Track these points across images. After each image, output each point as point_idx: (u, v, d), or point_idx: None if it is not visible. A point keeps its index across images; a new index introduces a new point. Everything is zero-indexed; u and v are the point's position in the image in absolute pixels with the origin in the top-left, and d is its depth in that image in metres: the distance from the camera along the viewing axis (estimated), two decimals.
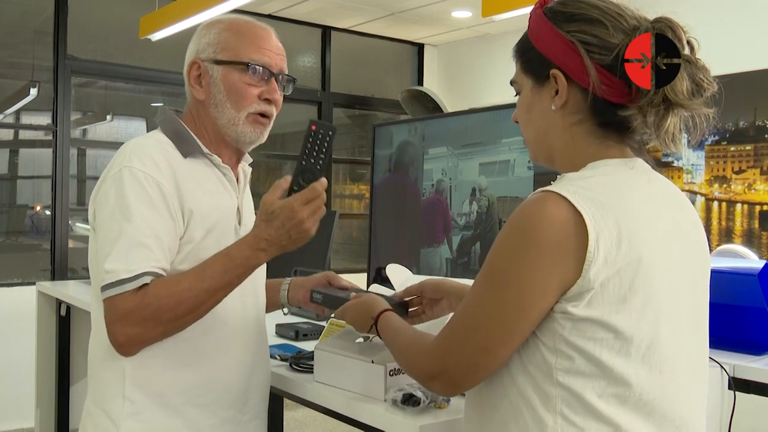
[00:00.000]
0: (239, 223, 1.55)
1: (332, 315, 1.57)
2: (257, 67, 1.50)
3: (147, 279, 1.35)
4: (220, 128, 1.53)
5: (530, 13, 1.17)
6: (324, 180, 1.38)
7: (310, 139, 1.36)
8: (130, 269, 1.34)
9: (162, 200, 1.40)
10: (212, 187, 1.52)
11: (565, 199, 1.01)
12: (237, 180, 1.59)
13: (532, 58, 1.15)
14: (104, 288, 1.36)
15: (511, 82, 1.21)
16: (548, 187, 1.04)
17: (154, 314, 1.35)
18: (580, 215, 1.00)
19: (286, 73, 1.56)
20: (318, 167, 1.37)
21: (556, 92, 1.11)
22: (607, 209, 1.01)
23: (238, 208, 1.56)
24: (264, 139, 1.57)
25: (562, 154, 1.15)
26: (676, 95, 1.05)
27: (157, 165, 1.42)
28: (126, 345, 1.37)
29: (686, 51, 1.07)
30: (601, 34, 1.08)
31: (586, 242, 0.99)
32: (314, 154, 1.37)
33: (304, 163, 1.37)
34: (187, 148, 1.50)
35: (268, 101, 1.52)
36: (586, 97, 1.09)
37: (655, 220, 1.07)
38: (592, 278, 0.99)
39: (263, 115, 1.53)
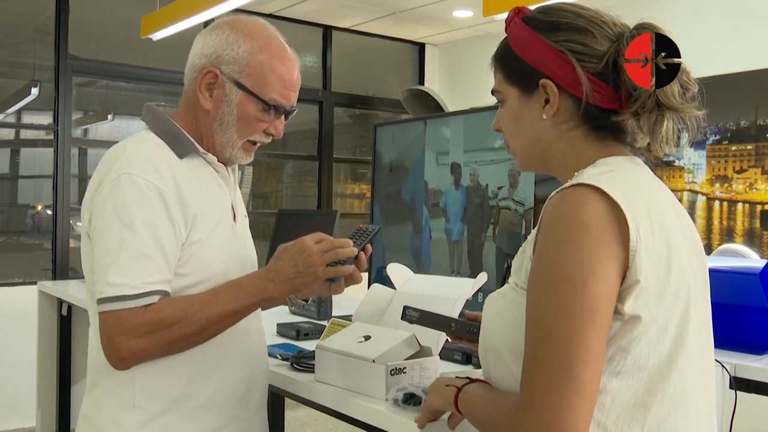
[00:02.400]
0: (234, 218, 1.55)
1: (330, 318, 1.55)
2: (275, 107, 1.49)
3: (154, 298, 1.34)
4: (216, 144, 1.51)
5: (507, 22, 1.17)
6: (347, 241, 1.48)
7: (356, 232, 1.57)
8: (136, 286, 1.33)
9: (164, 208, 1.37)
10: (210, 187, 1.51)
11: (599, 190, 0.99)
12: None
13: (517, 67, 1.14)
14: (105, 300, 1.33)
15: (493, 92, 1.20)
16: (574, 181, 1.02)
17: (163, 331, 1.34)
18: (617, 206, 0.98)
19: (295, 105, 1.54)
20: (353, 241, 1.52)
21: (546, 101, 1.11)
22: (636, 200, 1.01)
23: (232, 205, 1.56)
24: (250, 161, 1.57)
25: (561, 159, 1.14)
26: (668, 99, 1.05)
27: (158, 171, 1.39)
28: (128, 359, 1.35)
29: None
30: (590, 43, 1.08)
31: (627, 232, 0.97)
32: (353, 241, 1.53)
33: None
34: (182, 149, 1.47)
35: (270, 134, 1.53)
36: (576, 105, 1.10)
37: (670, 211, 1.08)
38: (638, 269, 0.98)
39: (256, 143, 1.54)
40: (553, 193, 1.04)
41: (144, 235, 1.34)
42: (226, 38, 1.47)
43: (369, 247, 1.54)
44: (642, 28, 1.08)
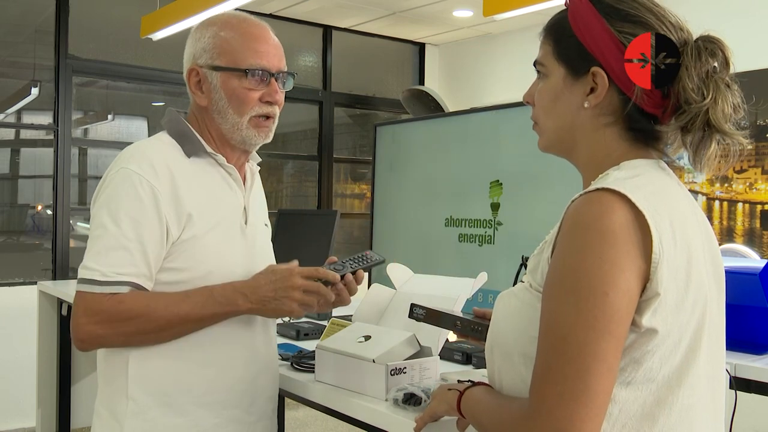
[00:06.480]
0: (245, 222, 1.55)
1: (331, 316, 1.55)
2: (256, 71, 1.50)
3: (124, 289, 1.37)
4: (225, 133, 1.53)
5: None
6: (337, 276, 1.47)
7: (359, 256, 1.56)
8: (106, 274, 1.37)
9: (153, 205, 1.41)
10: (216, 186, 1.52)
11: (624, 197, 0.96)
12: (244, 179, 1.59)
13: (570, 46, 1.08)
14: (79, 282, 1.39)
15: (535, 63, 1.13)
16: (599, 185, 0.99)
17: (122, 322, 1.38)
18: (642, 215, 0.95)
19: (285, 70, 1.56)
20: (341, 268, 1.51)
21: (591, 89, 1.06)
22: (660, 209, 0.98)
23: (244, 207, 1.56)
24: (270, 138, 1.57)
25: (588, 153, 1.10)
26: (719, 121, 1.03)
27: (153, 168, 1.43)
28: (86, 342, 1.40)
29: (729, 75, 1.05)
30: None
31: (650, 243, 0.95)
32: (350, 263, 1.53)
33: (342, 263, 1.53)
34: (191, 148, 1.51)
35: (270, 103, 1.53)
36: (620, 101, 1.05)
37: (692, 221, 1.05)
38: (659, 282, 0.95)
39: (267, 116, 1.54)
40: (576, 195, 1.01)
41: (126, 228, 1.38)
42: (193, 37, 1.55)
43: (362, 273, 1.54)
44: (708, 40, 1.04)
